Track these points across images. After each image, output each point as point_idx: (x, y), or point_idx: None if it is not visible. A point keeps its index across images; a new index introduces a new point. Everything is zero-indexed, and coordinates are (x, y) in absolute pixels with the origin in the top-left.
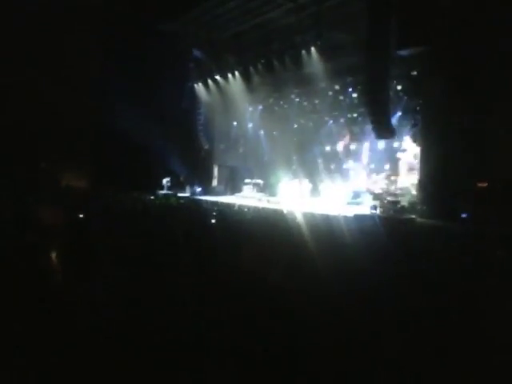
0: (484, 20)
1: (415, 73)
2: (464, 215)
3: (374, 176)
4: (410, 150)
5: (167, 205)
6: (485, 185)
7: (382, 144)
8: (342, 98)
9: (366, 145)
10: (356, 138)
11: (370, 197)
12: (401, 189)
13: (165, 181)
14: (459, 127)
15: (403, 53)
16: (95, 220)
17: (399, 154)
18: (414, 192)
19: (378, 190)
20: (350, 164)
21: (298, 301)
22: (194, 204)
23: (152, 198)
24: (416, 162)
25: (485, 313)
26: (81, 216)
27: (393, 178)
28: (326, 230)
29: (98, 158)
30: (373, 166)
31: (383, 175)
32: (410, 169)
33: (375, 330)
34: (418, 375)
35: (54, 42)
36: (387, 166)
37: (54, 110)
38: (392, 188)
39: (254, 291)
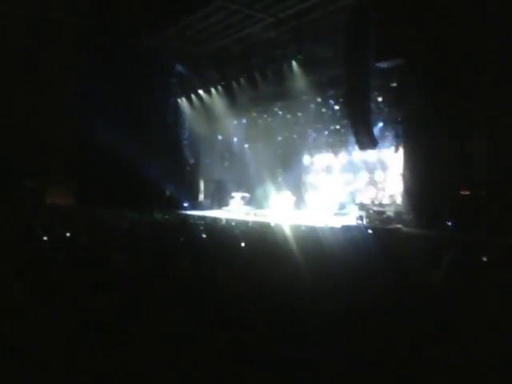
0: (462, 31)
1: (395, 84)
2: (449, 223)
3: (360, 186)
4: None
5: (154, 221)
6: (467, 193)
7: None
8: (324, 110)
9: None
10: (339, 149)
11: (356, 207)
12: (390, 195)
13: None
14: (441, 136)
15: (382, 65)
16: (81, 237)
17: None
18: (398, 202)
19: (364, 201)
20: (334, 175)
21: (286, 314)
22: (180, 219)
23: (137, 214)
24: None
25: (474, 320)
26: (67, 234)
27: (380, 185)
28: (314, 241)
29: (82, 175)
30: (357, 176)
31: (370, 184)
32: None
33: (363, 343)
34: None
35: (33, 59)
36: (373, 175)
37: (36, 127)
38: (380, 196)
39: (238, 306)
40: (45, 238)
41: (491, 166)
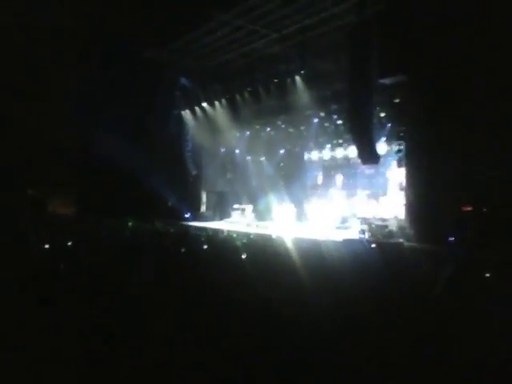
0: (464, 48)
1: (398, 100)
2: (451, 239)
3: (362, 199)
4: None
5: (155, 231)
6: (469, 209)
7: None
8: (327, 124)
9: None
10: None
11: (358, 221)
12: (392, 209)
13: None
14: (443, 152)
15: (385, 81)
16: (81, 246)
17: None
18: (400, 216)
19: (366, 215)
20: (336, 189)
21: (288, 327)
22: (181, 230)
23: (139, 224)
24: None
25: (475, 335)
26: (68, 243)
27: (381, 199)
28: (315, 255)
29: (84, 185)
30: (363, 190)
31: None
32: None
33: (363, 355)
34: None
35: (39, 70)
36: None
37: (40, 136)
38: (381, 210)
39: (241, 317)
40: (46, 247)
41: (492, 182)
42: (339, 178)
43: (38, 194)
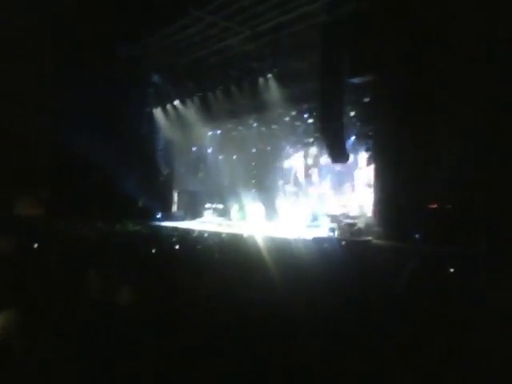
0: (433, 48)
1: (367, 99)
2: (417, 236)
3: (332, 197)
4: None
5: (125, 232)
6: (435, 206)
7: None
8: (298, 123)
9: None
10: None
11: (328, 219)
12: (359, 206)
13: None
14: (410, 151)
15: (355, 80)
16: (49, 249)
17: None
18: (368, 213)
19: (333, 210)
20: (307, 187)
21: (256, 327)
22: (151, 230)
23: (108, 225)
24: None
25: (441, 333)
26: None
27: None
28: (286, 253)
29: (54, 186)
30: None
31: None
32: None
33: (331, 356)
34: None
35: (8, 68)
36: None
37: (6, 134)
38: (349, 205)
39: (210, 317)
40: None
41: (458, 180)
42: (314, 173)
43: (3, 196)
